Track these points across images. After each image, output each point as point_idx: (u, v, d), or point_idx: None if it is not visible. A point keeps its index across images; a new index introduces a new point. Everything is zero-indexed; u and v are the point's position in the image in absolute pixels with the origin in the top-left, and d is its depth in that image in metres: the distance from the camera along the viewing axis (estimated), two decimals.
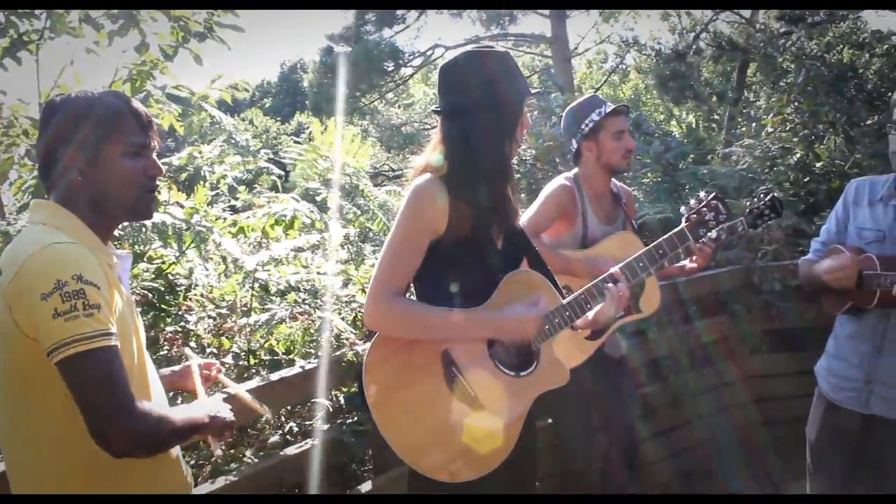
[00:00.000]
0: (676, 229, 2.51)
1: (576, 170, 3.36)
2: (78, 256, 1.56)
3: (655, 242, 2.51)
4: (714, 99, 14.66)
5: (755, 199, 2.94)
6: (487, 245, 2.26)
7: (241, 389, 2.24)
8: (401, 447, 2.13)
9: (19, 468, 1.67)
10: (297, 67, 42.81)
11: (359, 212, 3.72)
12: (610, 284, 2.36)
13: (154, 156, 1.80)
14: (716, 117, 17.38)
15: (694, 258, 3.15)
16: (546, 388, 2.31)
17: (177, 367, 2.16)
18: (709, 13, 17.09)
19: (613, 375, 3.38)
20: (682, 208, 2.58)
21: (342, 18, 19.29)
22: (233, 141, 3.62)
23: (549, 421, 3.56)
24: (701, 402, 4.34)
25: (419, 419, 2.15)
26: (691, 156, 6.33)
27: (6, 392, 1.64)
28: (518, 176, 5.42)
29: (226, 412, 1.84)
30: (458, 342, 2.20)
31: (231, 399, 2.22)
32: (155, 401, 1.76)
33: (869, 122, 6.24)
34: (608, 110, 3.25)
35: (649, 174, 6.08)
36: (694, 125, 18.73)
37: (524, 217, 3.19)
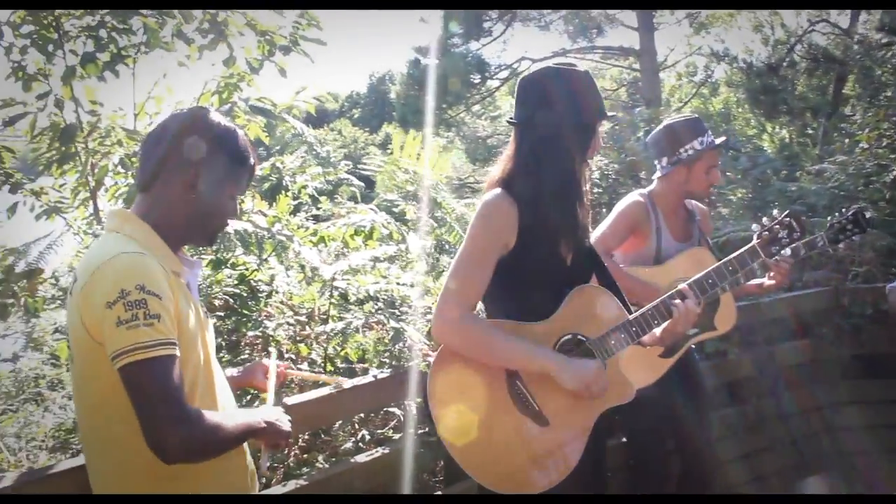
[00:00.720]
0: (747, 246, 2.46)
1: (651, 186, 3.31)
2: (143, 266, 1.61)
3: (725, 259, 2.46)
4: (808, 114, 14.17)
5: (837, 214, 2.86)
6: (556, 261, 2.26)
7: (307, 372, 2.26)
8: (463, 458, 2.15)
9: (95, 465, 1.75)
10: (385, 79, 43.56)
11: (435, 224, 3.75)
12: (678, 301, 2.32)
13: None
14: (810, 132, 16.82)
15: (772, 275, 3.08)
16: (611, 405, 2.29)
17: (247, 365, 2.22)
18: (804, 24, 16.60)
19: (688, 394, 3.31)
20: (754, 225, 2.52)
21: (429, 31, 19.55)
22: (314, 152, 3.72)
23: (623, 440, 3.51)
24: (783, 427, 4.19)
25: (482, 431, 2.15)
26: (782, 172, 6.12)
27: (81, 394, 1.72)
28: (600, 191, 5.38)
29: (284, 422, 1.89)
30: None
31: (296, 408, 2.28)
32: (221, 406, 1.81)
33: None
34: (712, 142, 3.18)
35: (738, 191, 5.92)
36: (787, 140, 18.18)
37: (596, 233, 3.17)
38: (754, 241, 2.49)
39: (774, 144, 18.59)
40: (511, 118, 2.30)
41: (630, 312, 2.35)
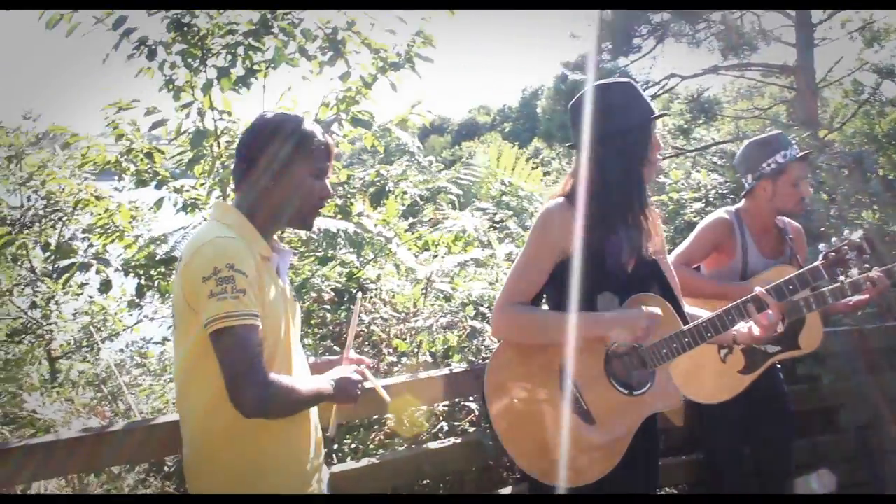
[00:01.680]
0: (810, 265, 2.47)
1: (739, 203, 3.34)
2: (234, 248, 1.90)
3: (786, 278, 2.49)
4: None
5: None
6: (616, 268, 2.37)
7: (376, 382, 2.48)
8: (513, 449, 2.32)
9: (187, 417, 2.04)
10: (538, 93, 43.82)
11: (522, 232, 3.93)
12: (751, 307, 2.38)
13: (327, 180, 2.15)
14: None
15: (865, 291, 3.00)
16: (657, 410, 2.39)
17: (332, 357, 2.49)
18: None
19: (770, 415, 3.30)
20: (821, 245, 2.53)
21: (580, 46, 19.60)
22: (416, 161, 4.00)
23: (701, 457, 3.53)
24: (885, 462, 4.03)
25: (532, 425, 2.32)
26: None
27: (179, 356, 2.03)
28: (711, 209, 5.33)
29: (352, 379, 2.12)
30: (576, 356, 2.32)
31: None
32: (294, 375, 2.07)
33: None
34: (795, 155, 3.20)
35: (865, 213, 5.70)
36: None
37: (679, 248, 3.24)
38: (818, 262, 2.50)
39: None
40: (569, 144, 2.46)
41: (686, 323, 2.43)
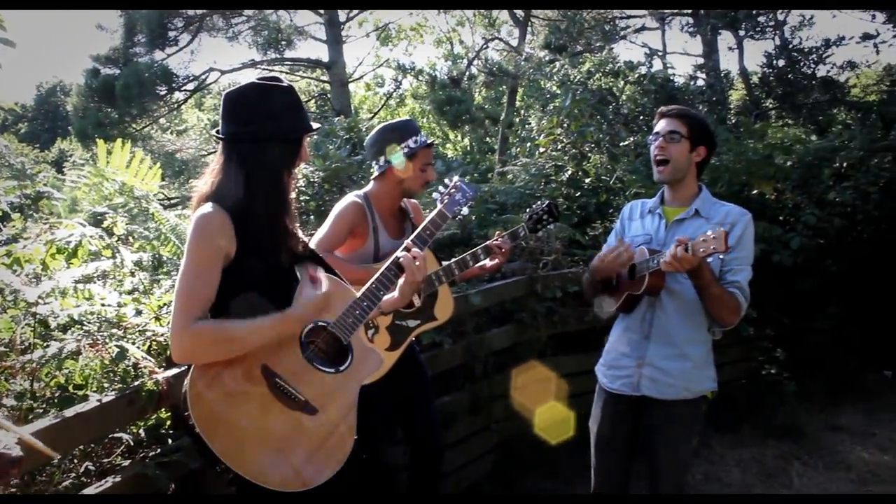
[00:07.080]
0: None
1: (367, 187, 3.46)
2: None
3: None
4: (488, 122, 15.54)
5: (533, 207, 3.25)
6: (277, 266, 2.34)
7: (23, 432, 2.05)
8: (248, 470, 2.11)
9: None
10: (56, 90, 39.88)
11: (150, 236, 3.56)
12: (403, 252, 2.49)
13: None
14: (488, 140, 18.42)
15: (494, 256, 3.38)
16: (367, 375, 2.42)
17: None
18: (480, 41, 18.18)
19: (416, 385, 3.50)
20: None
21: (109, 39, 18.31)
22: (7, 163, 3.34)
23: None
24: (496, 408, 4.56)
25: (259, 438, 2.16)
26: (468, 176, 6.66)
27: None
28: (307, 198, 5.46)
29: (12, 448, 1.73)
30: (273, 355, 2.23)
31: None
32: None
33: (627, 142, 6.95)
34: (425, 141, 3.39)
35: (433, 193, 6.32)
36: (469, 147, 19.69)
37: (316, 236, 3.26)
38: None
39: (457, 151, 20.03)
40: (217, 132, 2.32)
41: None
